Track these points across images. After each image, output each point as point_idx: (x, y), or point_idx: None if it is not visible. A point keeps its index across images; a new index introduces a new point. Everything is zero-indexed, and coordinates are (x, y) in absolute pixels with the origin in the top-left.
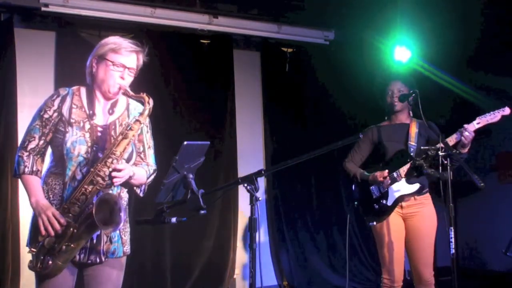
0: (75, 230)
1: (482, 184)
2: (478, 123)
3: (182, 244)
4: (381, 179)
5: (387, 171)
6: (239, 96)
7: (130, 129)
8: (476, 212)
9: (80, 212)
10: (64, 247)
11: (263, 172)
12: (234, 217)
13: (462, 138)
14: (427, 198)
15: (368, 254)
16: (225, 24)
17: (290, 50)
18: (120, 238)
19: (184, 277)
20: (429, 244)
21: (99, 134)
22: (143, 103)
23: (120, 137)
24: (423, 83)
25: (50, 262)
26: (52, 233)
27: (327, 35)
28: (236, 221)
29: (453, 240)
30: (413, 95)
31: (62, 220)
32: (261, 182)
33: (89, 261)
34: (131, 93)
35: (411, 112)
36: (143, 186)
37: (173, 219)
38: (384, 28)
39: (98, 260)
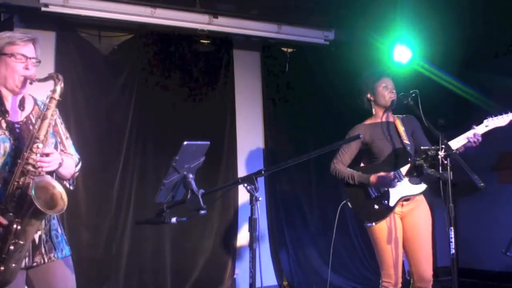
0: (19, 226)
1: (482, 184)
2: (486, 126)
3: (182, 244)
4: (389, 179)
5: (392, 173)
6: (239, 96)
7: (47, 108)
8: (476, 212)
9: (18, 207)
10: (12, 246)
11: (263, 172)
12: (234, 217)
13: (472, 142)
14: (421, 195)
15: (368, 253)
16: (225, 24)
17: (290, 50)
18: (63, 237)
19: (184, 277)
20: (428, 242)
21: (17, 131)
22: (54, 82)
23: (39, 120)
24: (423, 83)
25: (2, 267)
26: None
27: (327, 35)
28: (236, 221)
29: (453, 240)
30: (413, 95)
31: (3, 221)
32: (261, 182)
33: (34, 264)
34: (38, 77)
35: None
36: (72, 178)
37: (173, 219)
38: (384, 28)
39: (43, 261)
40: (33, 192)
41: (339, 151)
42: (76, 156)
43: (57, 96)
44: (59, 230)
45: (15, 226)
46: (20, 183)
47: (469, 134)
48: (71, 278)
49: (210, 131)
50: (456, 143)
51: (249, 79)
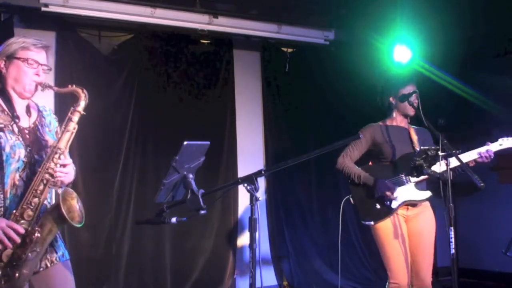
0: (39, 234)
1: (482, 184)
2: (501, 145)
3: (182, 244)
4: (389, 194)
5: (397, 188)
6: (239, 96)
7: (70, 120)
8: (476, 212)
9: (34, 215)
10: (30, 254)
11: (263, 172)
12: (234, 217)
13: (484, 159)
14: (427, 201)
15: (368, 253)
16: (225, 24)
17: (290, 50)
18: (61, 241)
19: (184, 277)
20: (431, 247)
21: (27, 136)
22: (77, 96)
23: (61, 131)
24: (423, 83)
25: (17, 274)
26: (10, 245)
27: (327, 35)
28: (236, 221)
29: (453, 240)
30: (413, 95)
31: (21, 230)
32: (261, 182)
33: (41, 269)
34: (57, 88)
35: (408, 117)
36: (69, 184)
37: (173, 219)
38: (384, 28)
39: (46, 266)
40: (61, 200)
41: (348, 146)
42: (72, 164)
43: (81, 110)
44: (57, 235)
45: (36, 234)
46: (39, 191)
47: (482, 149)
48: (71, 281)
49: (210, 131)
50: (468, 157)
51: (249, 79)
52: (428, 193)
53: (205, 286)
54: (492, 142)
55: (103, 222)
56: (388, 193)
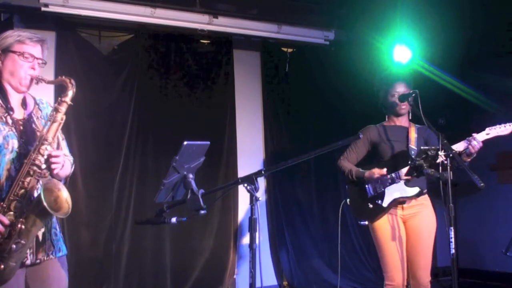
0: (23, 226)
1: (482, 184)
2: (487, 134)
3: (182, 244)
4: (378, 175)
5: (385, 169)
6: (239, 96)
7: (57, 111)
8: (476, 212)
9: (21, 207)
10: (14, 245)
11: (263, 172)
12: (234, 217)
13: (470, 147)
14: (426, 199)
15: (368, 253)
16: (225, 24)
17: (290, 50)
18: (60, 236)
19: (184, 277)
20: (429, 247)
21: (21, 128)
22: (65, 86)
23: (49, 122)
24: (423, 83)
25: (2, 266)
26: None
27: (327, 35)
28: (236, 221)
29: (453, 240)
30: (413, 95)
31: (5, 221)
32: (261, 182)
33: (38, 261)
34: (48, 79)
35: (410, 115)
36: (65, 179)
37: (173, 219)
38: (384, 28)
39: (43, 259)
40: (42, 192)
41: (347, 149)
42: (71, 157)
43: (68, 100)
44: (58, 229)
45: (19, 225)
46: (25, 183)
47: (467, 139)
48: (64, 278)
49: (210, 131)
50: (455, 149)
51: (249, 79)
52: (416, 189)
53: (205, 286)
54: (478, 133)
55: (103, 222)
56: (376, 174)
